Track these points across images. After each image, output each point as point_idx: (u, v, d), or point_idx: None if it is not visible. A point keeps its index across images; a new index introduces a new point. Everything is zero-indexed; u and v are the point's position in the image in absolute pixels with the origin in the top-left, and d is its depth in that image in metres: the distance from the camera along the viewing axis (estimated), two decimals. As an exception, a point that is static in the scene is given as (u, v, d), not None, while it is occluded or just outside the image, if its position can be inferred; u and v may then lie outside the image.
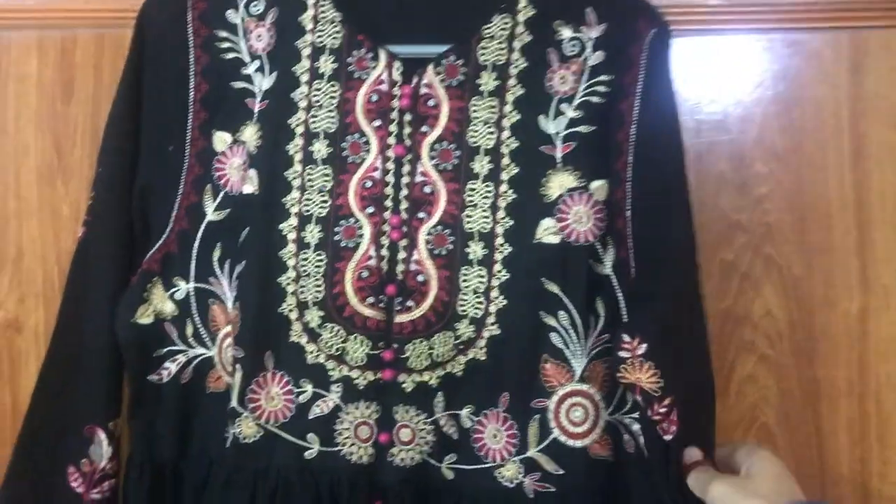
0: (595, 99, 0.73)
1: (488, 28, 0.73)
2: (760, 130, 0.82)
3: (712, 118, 0.83)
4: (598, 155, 0.73)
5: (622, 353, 0.71)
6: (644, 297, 0.72)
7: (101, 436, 0.73)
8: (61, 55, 0.84)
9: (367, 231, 0.72)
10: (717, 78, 0.83)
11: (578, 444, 0.72)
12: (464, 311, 0.72)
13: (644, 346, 0.70)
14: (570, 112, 0.73)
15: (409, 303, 0.72)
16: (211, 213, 0.75)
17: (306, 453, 0.72)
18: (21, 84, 0.84)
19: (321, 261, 0.72)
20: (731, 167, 0.82)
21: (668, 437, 0.70)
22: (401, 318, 0.72)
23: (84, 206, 0.77)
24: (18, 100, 0.84)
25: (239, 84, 0.75)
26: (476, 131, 0.73)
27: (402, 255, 0.73)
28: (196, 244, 0.75)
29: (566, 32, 0.74)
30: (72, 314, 0.76)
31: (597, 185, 0.73)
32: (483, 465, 0.73)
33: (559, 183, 0.72)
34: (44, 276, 0.84)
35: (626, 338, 0.71)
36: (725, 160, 0.83)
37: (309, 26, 0.74)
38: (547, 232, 0.72)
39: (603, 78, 0.73)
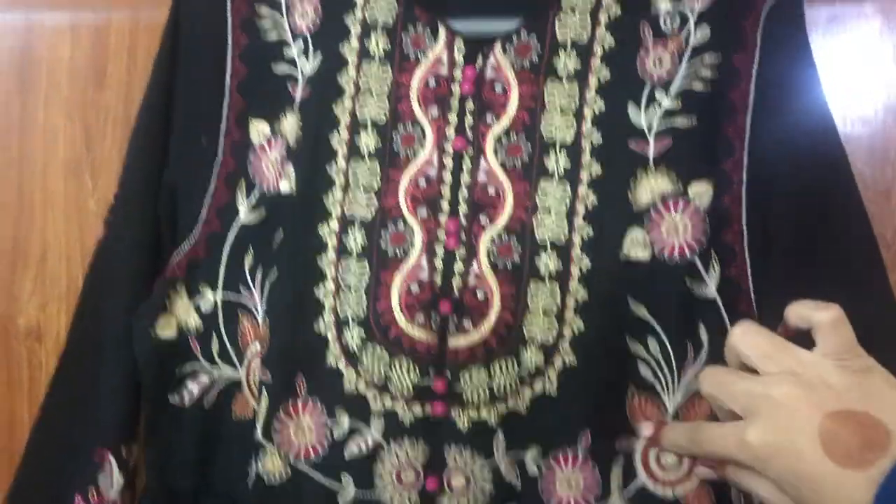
0: (697, 85, 0.61)
1: None
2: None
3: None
4: (701, 153, 0.61)
5: None
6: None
7: (112, 462, 0.65)
8: (95, 39, 0.78)
9: (418, 237, 0.62)
10: (859, 57, 0.69)
11: (670, 492, 0.60)
12: (531, 335, 0.60)
13: None
14: (667, 101, 0.61)
15: (466, 323, 0.61)
16: (244, 214, 0.66)
17: (339, 498, 0.61)
18: (53, 69, 0.78)
19: (364, 271, 0.62)
20: (872, 169, 0.68)
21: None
22: (455, 342, 0.61)
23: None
24: (49, 85, 0.78)
25: (281, 68, 0.66)
26: (551, 122, 0.62)
27: (458, 266, 0.62)
28: (226, 248, 0.66)
29: (664, 4, 0.62)
30: (87, 322, 0.68)
31: (698, 188, 0.60)
32: (552, 519, 0.61)
33: (651, 186, 0.60)
34: (67, 279, 0.78)
35: None
36: (863, 160, 0.68)
37: (360, 0, 0.64)
38: (635, 245, 0.60)
39: (708, 59, 0.61)
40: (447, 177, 0.62)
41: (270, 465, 0.63)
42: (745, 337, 0.48)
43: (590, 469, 0.61)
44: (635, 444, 0.61)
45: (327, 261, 0.63)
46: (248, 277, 0.66)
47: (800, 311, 0.47)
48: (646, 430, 0.60)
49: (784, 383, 0.44)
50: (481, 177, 0.62)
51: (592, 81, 0.62)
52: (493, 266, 0.61)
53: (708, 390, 0.48)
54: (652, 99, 0.61)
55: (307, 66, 0.65)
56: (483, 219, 0.62)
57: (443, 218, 0.62)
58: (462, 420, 0.61)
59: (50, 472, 0.66)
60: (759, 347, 0.47)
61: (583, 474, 0.61)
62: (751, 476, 0.46)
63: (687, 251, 0.60)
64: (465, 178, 0.62)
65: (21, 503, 0.67)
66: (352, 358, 0.62)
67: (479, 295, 0.61)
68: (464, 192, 0.62)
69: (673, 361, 0.60)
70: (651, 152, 0.61)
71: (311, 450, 0.62)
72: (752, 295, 0.60)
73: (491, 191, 0.62)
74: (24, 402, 0.79)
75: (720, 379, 0.48)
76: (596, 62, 0.62)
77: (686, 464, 0.60)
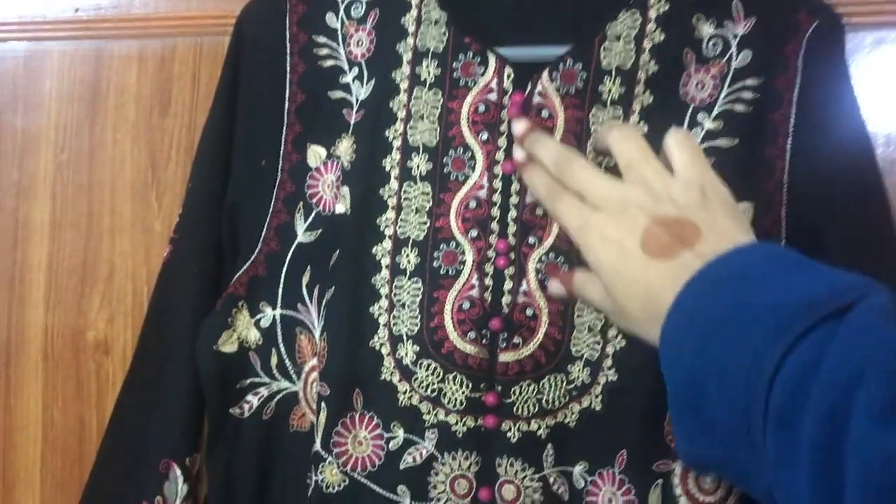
0: (739, 107, 0.62)
1: (614, 26, 0.64)
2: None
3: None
4: (743, 174, 0.62)
5: None
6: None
7: (177, 472, 0.68)
8: (160, 65, 0.81)
9: (469, 257, 0.64)
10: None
11: (711, 516, 0.61)
12: (578, 351, 0.62)
13: None
14: (708, 123, 0.62)
15: (516, 339, 0.63)
16: (301, 233, 0.69)
17: None
18: (120, 96, 0.82)
19: (418, 289, 0.64)
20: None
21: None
22: (506, 357, 0.63)
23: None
24: (117, 112, 0.82)
25: (337, 94, 0.69)
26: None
27: (508, 284, 0.64)
28: (285, 267, 0.69)
29: (707, 29, 0.63)
30: (153, 338, 0.71)
31: (739, 209, 0.61)
32: (597, 534, 0.62)
33: None
34: (133, 295, 0.82)
35: None
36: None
37: (411, 28, 0.67)
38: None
39: (750, 82, 0.62)
40: (497, 199, 0.64)
41: (329, 476, 0.65)
42: (621, 143, 0.52)
43: (627, 491, 0.62)
44: (673, 465, 0.61)
45: (381, 280, 0.65)
46: (306, 295, 0.68)
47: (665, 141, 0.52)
48: (518, 126, 0.58)
49: (633, 189, 0.49)
50: (529, 199, 0.64)
51: (636, 106, 0.63)
52: (541, 284, 0.63)
53: (560, 166, 0.53)
54: (694, 121, 0.63)
55: (361, 91, 0.68)
56: (531, 239, 0.64)
57: (493, 239, 0.64)
58: (513, 432, 0.63)
59: (118, 481, 0.69)
60: (627, 154, 0.51)
61: (622, 495, 0.62)
62: (590, 286, 0.52)
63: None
64: (513, 200, 0.64)
65: None
66: (406, 372, 0.64)
67: (528, 312, 0.63)
68: (513, 214, 0.64)
69: (717, 378, 0.61)
70: None
71: (367, 461, 0.64)
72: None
73: (539, 213, 0.64)
74: (92, 414, 0.82)
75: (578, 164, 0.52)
76: (640, 87, 0.63)
77: (724, 486, 0.61)
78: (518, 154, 0.58)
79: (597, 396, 0.62)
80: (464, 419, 0.63)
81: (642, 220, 0.48)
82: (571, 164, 0.53)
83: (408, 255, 0.65)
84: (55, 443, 0.83)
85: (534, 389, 0.62)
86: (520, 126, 0.57)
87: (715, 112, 0.62)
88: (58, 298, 0.82)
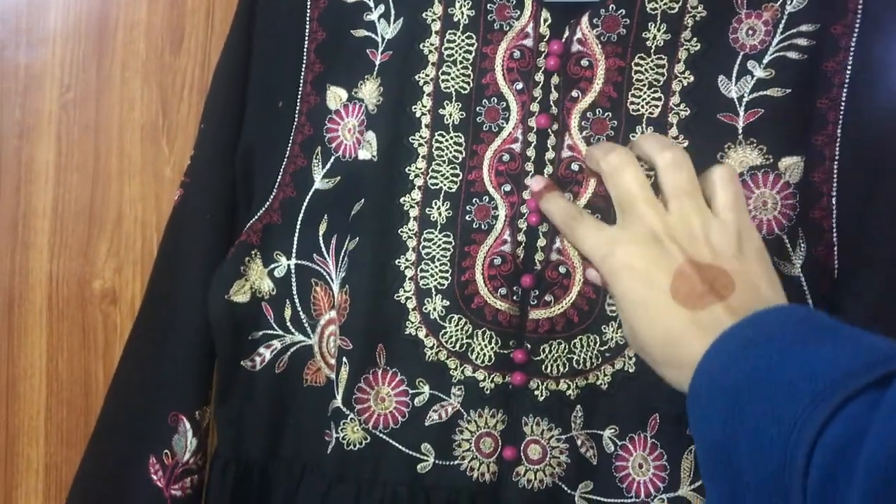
0: (792, 55, 0.59)
1: None
2: None
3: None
4: (793, 126, 0.59)
5: None
6: (840, 309, 0.57)
7: (186, 425, 0.65)
8: (171, 1, 0.77)
9: (502, 212, 0.61)
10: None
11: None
12: (613, 311, 0.60)
13: None
14: (759, 71, 0.59)
15: (548, 297, 0.61)
16: (319, 180, 0.65)
17: (419, 466, 0.61)
18: (130, 31, 0.77)
19: (448, 243, 0.61)
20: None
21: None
22: (536, 314, 0.61)
23: (187, 167, 0.69)
24: (126, 49, 0.77)
25: (360, 32, 0.65)
26: (638, 97, 0.60)
27: (542, 241, 0.61)
28: (301, 215, 0.66)
29: (760, -29, 0.59)
30: (162, 286, 0.68)
31: (788, 162, 0.59)
32: (625, 500, 0.60)
33: (739, 160, 0.59)
34: (143, 243, 0.78)
35: None
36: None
37: None
38: (722, 218, 0.59)
39: (804, 28, 0.58)
40: (531, 153, 0.61)
41: (351, 433, 0.62)
42: (671, 170, 0.49)
43: (658, 456, 0.60)
44: None
45: (409, 232, 0.62)
46: (323, 244, 0.65)
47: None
48: (537, 179, 0.58)
49: (672, 221, 0.47)
50: (565, 153, 0.61)
51: (682, 54, 0.60)
52: None
53: (607, 179, 0.51)
54: (744, 69, 0.59)
55: (388, 30, 0.64)
56: (567, 196, 0.61)
57: (526, 194, 0.61)
58: (540, 390, 0.61)
59: (125, 434, 0.67)
60: (674, 182, 0.49)
61: (653, 461, 0.60)
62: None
63: (775, 227, 0.58)
64: (549, 154, 0.61)
65: (97, 464, 0.67)
66: (433, 327, 0.61)
67: (562, 270, 0.61)
68: (548, 169, 0.61)
69: (756, 341, 0.59)
70: (741, 123, 0.59)
71: (390, 418, 0.62)
72: (836, 275, 0.58)
73: (575, 168, 0.61)
74: (99, 365, 0.79)
75: (625, 178, 0.49)
76: (686, 34, 0.60)
77: None
78: (535, 183, 0.58)
79: (630, 358, 0.60)
80: (491, 376, 0.61)
81: (677, 257, 0.46)
82: (580, 217, 0.52)
83: (438, 208, 0.62)
84: (60, 394, 0.80)
85: (564, 349, 0.60)
86: (538, 184, 0.57)
87: (766, 60, 0.59)
88: (63, 245, 0.79)
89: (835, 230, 0.58)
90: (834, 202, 0.58)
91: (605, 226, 0.50)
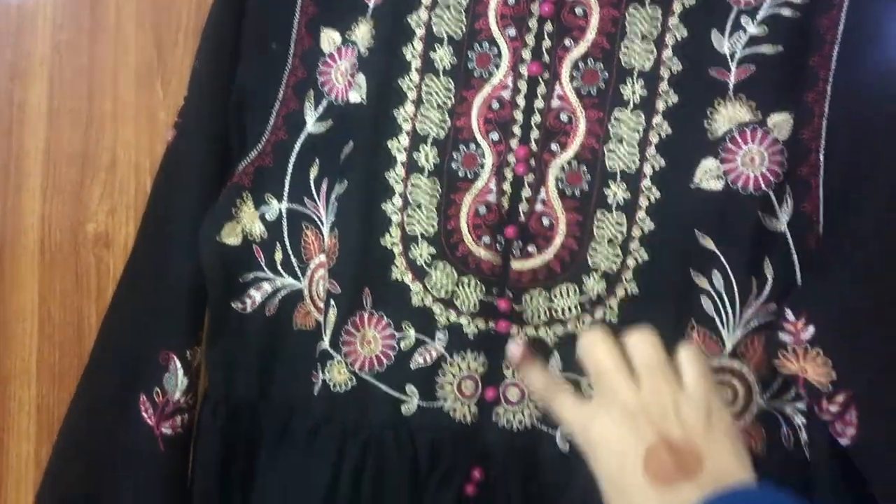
0: (786, 12, 0.59)
1: None
2: None
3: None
4: (784, 83, 0.59)
5: (783, 336, 0.58)
6: (826, 267, 0.58)
7: (177, 364, 0.66)
8: (167, -59, 0.76)
9: (489, 160, 0.61)
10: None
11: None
12: (595, 263, 0.60)
13: (811, 328, 0.57)
14: (752, 27, 0.59)
15: (531, 248, 0.61)
16: (311, 123, 0.66)
17: (403, 407, 0.62)
18: (124, -30, 0.77)
19: (435, 189, 0.62)
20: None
21: (843, 443, 0.56)
22: (519, 265, 0.61)
23: (182, 111, 0.69)
24: (120, -11, 0.77)
25: None
26: (630, 48, 0.60)
27: (526, 192, 0.61)
28: (292, 159, 0.66)
29: (756, -76, 0.59)
30: (155, 226, 0.68)
31: (778, 119, 0.59)
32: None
33: (729, 116, 0.59)
34: (136, 186, 0.78)
35: (789, 316, 0.58)
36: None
37: None
38: (708, 175, 0.59)
39: (799, -16, 0.58)
40: (521, 101, 0.61)
41: (337, 375, 0.63)
42: (638, 344, 0.51)
43: None
44: None
45: (396, 176, 0.62)
46: (314, 188, 0.66)
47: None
48: (514, 348, 0.57)
49: (644, 396, 0.49)
50: (555, 103, 0.61)
51: (676, 7, 0.60)
52: (561, 193, 0.61)
53: (582, 354, 0.52)
54: (737, 25, 0.59)
55: None
56: (554, 146, 0.61)
57: (514, 143, 0.61)
58: (521, 338, 0.61)
59: (116, 373, 0.67)
60: (643, 356, 0.50)
61: None
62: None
63: (763, 184, 0.59)
64: (538, 103, 0.61)
65: (88, 403, 0.68)
66: (419, 273, 0.62)
67: (545, 221, 0.61)
68: (536, 118, 0.61)
69: (736, 296, 0.59)
70: (732, 80, 0.59)
71: (375, 361, 0.63)
72: (822, 231, 0.59)
73: (564, 118, 0.61)
74: (92, 309, 0.79)
75: (598, 353, 0.51)
76: None
77: (741, 397, 0.60)
78: (513, 349, 0.57)
79: (612, 309, 0.60)
80: (475, 321, 0.62)
81: (648, 434, 0.47)
82: (558, 390, 0.53)
83: (426, 153, 0.62)
84: (52, 337, 0.80)
85: (545, 298, 0.61)
86: (514, 350, 0.57)
87: (760, 16, 0.59)
88: (56, 188, 0.79)
89: (821, 187, 0.59)
90: (822, 159, 0.58)
91: (582, 399, 0.52)
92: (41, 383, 0.81)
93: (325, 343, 0.64)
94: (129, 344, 0.67)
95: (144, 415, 0.66)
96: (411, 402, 0.62)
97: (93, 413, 0.68)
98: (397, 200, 0.62)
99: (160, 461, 0.66)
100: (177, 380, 0.66)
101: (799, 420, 0.60)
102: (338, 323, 0.63)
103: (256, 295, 0.67)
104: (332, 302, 0.63)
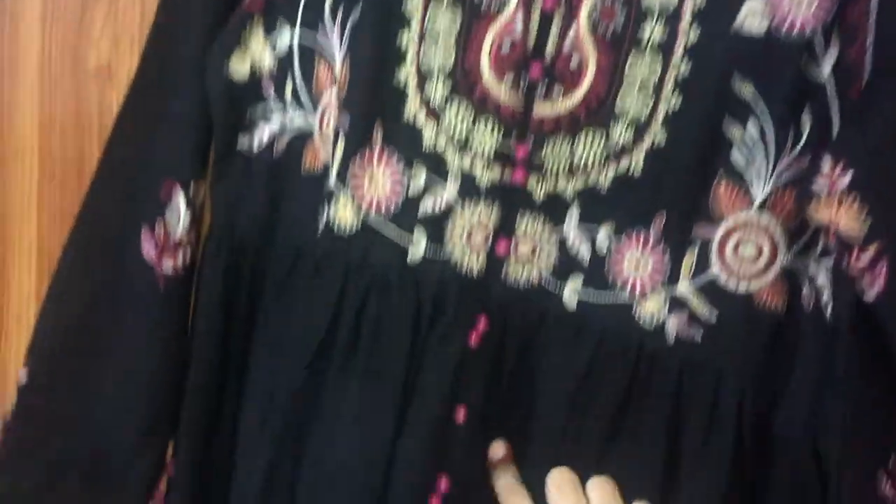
0: None
1: None
2: None
3: None
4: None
5: (817, 184, 0.55)
6: (869, 114, 0.54)
7: (180, 196, 0.63)
8: None
9: None
10: None
11: (743, 287, 0.57)
12: (624, 109, 0.57)
13: (849, 173, 0.54)
14: None
15: (556, 91, 0.57)
16: None
17: (409, 253, 0.60)
18: None
19: (455, 20, 0.58)
20: None
21: (867, 298, 0.54)
22: (542, 109, 0.58)
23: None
24: None
25: None
26: None
27: (555, 28, 0.57)
28: None
29: None
30: (160, 51, 0.64)
31: (830, -45, 0.54)
32: (617, 297, 0.59)
33: None
34: (142, 16, 0.74)
35: (825, 165, 0.54)
36: None
37: None
38: (752, 15, 0.55)
39: None
40: None
41: (342, 214, 0.61)
42: (596, 488, 0.56)
43: (660, 252, 0.58)
44: (715, 231, 0.58)
45: (414, 3, 0.58)
46: (328, 16, 0.61)
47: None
48: (500, 447, 0.60)
49: None
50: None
51: None
52: (594, 31, 0.57)
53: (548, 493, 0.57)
54: None
55: None
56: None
57: None
58: (538, 190, 0.59)
59: (117, 201, 0.65)
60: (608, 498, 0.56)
61: (653, 257, 0.59)
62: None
63: (808, 26, 0.54)
64: None
65: (88, 236, 0.66)
66: (433, 112, 0.59)
67: (574, 62, 0.57)
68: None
69: (772, 147, 0.56)
70: None
71: (383, 203, 0.60)
72: (864, 79, 0.55)
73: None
74: (93, 145, 0.77)
75: (568, 480, 0.57)
76: None
77: (766, 254, 0.58)
78: (498, 447, 0.60)
79: (637, 160, 0.57)
80: (490, 169, 0.59)
81: None
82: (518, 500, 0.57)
83: None
84: (53, 173, 0.78)
85: (567, 147, 0.58)
86: (499, 451, 0.59)
87: None
88: (56, 15, 0.75)
89: (873, 32, 0.54)
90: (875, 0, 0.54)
91: None
92: (41, 220, 0.80)
93: (332, 178, 0.61)
94: (130, 172, 0.65)
95: (145, 252, 0.64)
96: (417, 249, 0.60)
97: (93, 244, 0.65)
98: (414, 31, 0.58)
99: (160, 301, 0.64)
100: (179, 214, 0.64)
101: (823, 279, 0.57)
102: (345, 156, 0.60)
103: (264, 131, 0.64)
104: (341, 133, 0.60)
